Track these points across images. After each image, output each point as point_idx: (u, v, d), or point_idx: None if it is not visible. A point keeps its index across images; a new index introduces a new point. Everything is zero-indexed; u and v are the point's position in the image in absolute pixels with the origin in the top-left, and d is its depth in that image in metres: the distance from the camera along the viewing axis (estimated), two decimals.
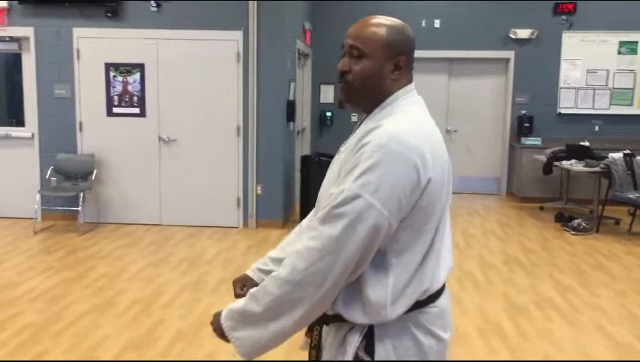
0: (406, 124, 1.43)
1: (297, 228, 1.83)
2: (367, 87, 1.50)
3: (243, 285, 1.73)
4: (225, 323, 1.49)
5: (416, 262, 1.45)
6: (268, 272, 1.72)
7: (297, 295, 1.37)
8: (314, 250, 1.35)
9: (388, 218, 1.35)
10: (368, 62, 1.48)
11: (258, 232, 6.58)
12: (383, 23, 1.50)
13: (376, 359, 1.45)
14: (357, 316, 1.44)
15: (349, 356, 1.47)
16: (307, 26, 8.20)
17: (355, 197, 1.34)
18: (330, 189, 1.42)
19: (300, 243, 1.41)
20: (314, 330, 1.58)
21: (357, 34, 1.49)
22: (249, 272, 1.77)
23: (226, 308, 1.51)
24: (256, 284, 1.71)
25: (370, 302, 1.42)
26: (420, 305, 1.48)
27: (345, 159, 1.45)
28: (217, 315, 1.52)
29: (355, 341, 1.46)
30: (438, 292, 1.54)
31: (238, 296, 1.69)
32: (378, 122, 1.44)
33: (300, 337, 1.64)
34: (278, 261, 1.73)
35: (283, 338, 1.44)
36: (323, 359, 1.57)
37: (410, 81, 1.55)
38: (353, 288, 1.43)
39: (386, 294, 1.42)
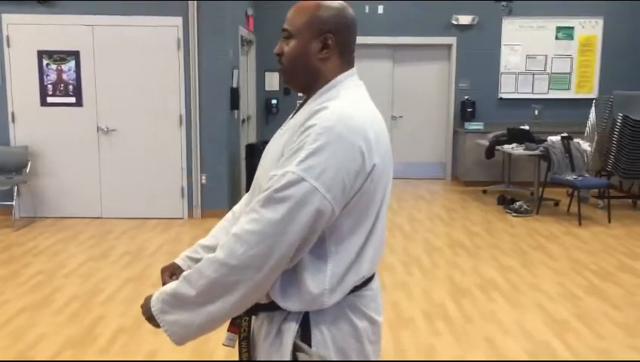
0: (352, 107, 1.40)
1: (229, 215, 1.76)
2: (297, 68, 1.49)
3: (172, 274, 1.64)
4: (155, 306, 1.41)
5: (356, 249, 1.42)
6: (198, 261, 1.64)
7: (234, 278, 1.31)
8: (253, 233, 1.30)
9: (331, 202, 1.32)
10: (294, 42, 1.48)
11: (203, 222, 6.46)
12: (313, 3, 1.47)
13: (312, 346, 1.41)
14: (293, 304, 1.40)
15: (288, 346, 1.42)
16: (250, 11, 8.06)
17: (298, 180, 1.30)
18: (272, 171, 1.36)
19: (237, 226, 1.34)
20: (242, 322, 1.52)
21: (288, 16, 1.51)
22: (178, 261, 1.69)
23: (156, 291, 1.43)
24: None
25: (308, 290, 1.38)
26: (355, 288, 1.46)
27: (288, 140, 1.40)
28: (148, 299, 1.45)
29: (292, 329, 1.42)
30: (372, 275, 1.53)
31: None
32: (323, 104, 1.39)
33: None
34: (210, 248, 1.67)
35: (217, 322, 1.38)
36: (258, 353, 1.51)
37: (350, 66, 1.52)
38: (290, 276, 1.39)
39: (324, 282, 1.39)
